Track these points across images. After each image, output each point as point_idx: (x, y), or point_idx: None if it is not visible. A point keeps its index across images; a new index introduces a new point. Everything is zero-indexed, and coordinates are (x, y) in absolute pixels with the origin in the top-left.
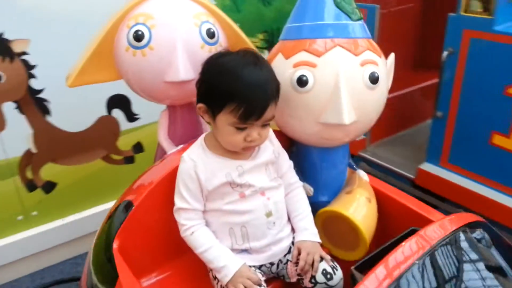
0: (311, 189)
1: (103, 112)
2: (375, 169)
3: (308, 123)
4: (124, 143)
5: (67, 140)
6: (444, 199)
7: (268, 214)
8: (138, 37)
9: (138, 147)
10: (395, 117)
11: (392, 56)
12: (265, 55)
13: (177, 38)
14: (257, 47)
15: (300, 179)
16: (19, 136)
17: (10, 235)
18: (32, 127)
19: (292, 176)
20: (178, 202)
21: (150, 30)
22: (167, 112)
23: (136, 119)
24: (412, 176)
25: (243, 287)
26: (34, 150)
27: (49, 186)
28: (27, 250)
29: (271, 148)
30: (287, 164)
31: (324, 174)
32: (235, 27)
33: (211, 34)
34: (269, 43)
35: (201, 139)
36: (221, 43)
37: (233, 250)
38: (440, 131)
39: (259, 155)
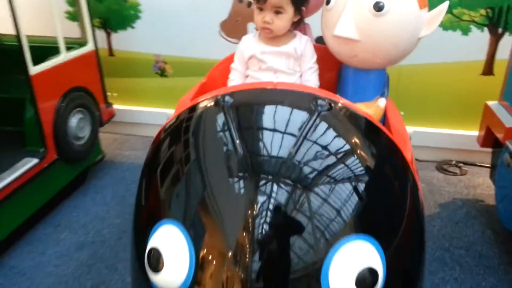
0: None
1: None
2: None
3: (328, 36)
4: None
5: None
6: None
7: None
8: None
9: None
10: None
11: (443, 4)
12: (484, 32)
13: None
14: (474, 21)
15: (337, 92)
16: None
17: None
18: None
19: (309, 75)
20: (232, 64)
21: None
22: None
23: None
24: None
25: None
26: None
27: None
28: None
29: (294, 46)
30: (307, 65)
31: (352, 91)
32: None
33: None
34: (491, 21)
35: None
36: None
37: None
38: None
39: (282, 47)
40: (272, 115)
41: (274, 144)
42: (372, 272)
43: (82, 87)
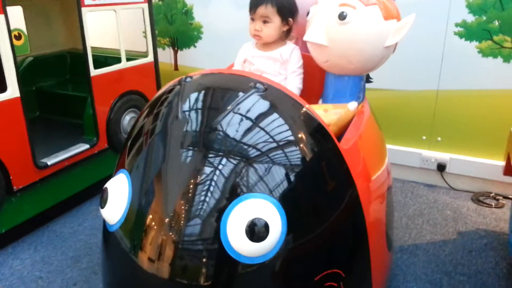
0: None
1: None
2: None
3: (307, 44)
4: None
5: None
6: None
7: None
8: None
9: None
10: None
11: (410, 16)
12: None
13: None
14: None
15: (322, 96)
16: None
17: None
18: None
19: (292, 77)
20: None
21: None
22: None
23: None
24: None
25: None
26: None
27: None
28: None
29: (280, 52)
30: (291, 69)
31: (332, 94)
32: None
33: None
34: None
35: None
36: None
37: None
38: None
39: (269, 52)
40: (213, 94)
41: (206, 117)
42: (263, 224)
43: (138, 91)
